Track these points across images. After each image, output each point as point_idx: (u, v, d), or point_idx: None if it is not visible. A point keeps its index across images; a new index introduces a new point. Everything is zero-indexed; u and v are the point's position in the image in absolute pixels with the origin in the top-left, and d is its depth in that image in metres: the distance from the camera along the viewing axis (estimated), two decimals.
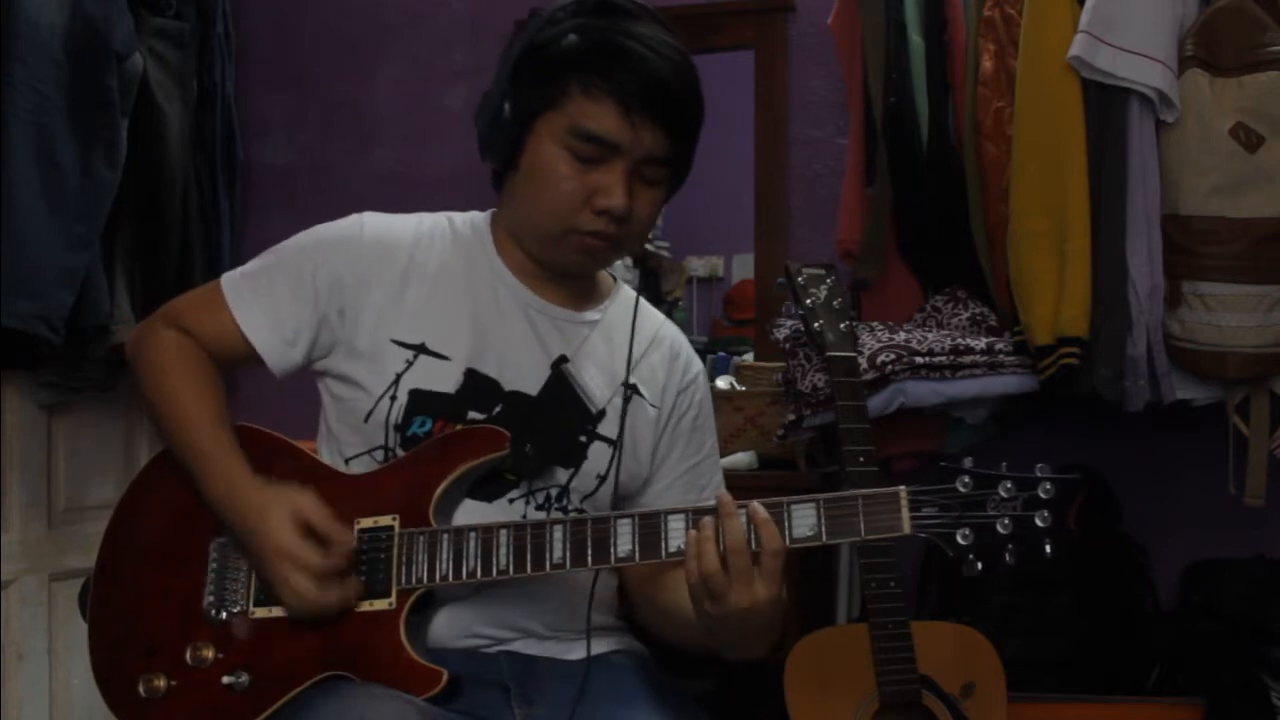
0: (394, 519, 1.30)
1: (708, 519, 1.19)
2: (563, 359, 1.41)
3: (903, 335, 2.12)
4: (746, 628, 1.21)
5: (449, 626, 1.33)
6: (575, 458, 1.39)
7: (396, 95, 2.93)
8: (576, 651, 1.39)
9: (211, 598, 1.33)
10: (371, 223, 1.44)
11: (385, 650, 1.26)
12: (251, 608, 1.32)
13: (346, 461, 1.40)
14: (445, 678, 1.24)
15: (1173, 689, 2.08)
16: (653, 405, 1.46)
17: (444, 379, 1.37)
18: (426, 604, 1.31)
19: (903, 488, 1.20)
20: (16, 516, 2.49)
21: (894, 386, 2.05)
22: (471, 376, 1.37)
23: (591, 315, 1.47)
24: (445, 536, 1.28)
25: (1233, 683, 2.01)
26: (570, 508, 1.40)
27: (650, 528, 1.23)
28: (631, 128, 1.29)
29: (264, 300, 1.40)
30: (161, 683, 1.30)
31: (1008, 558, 1.19)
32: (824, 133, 2.61)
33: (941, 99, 2.22)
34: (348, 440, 1.40)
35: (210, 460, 1.33)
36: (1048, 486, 1.19)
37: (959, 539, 1.19)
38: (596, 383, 1.43)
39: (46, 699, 2.53)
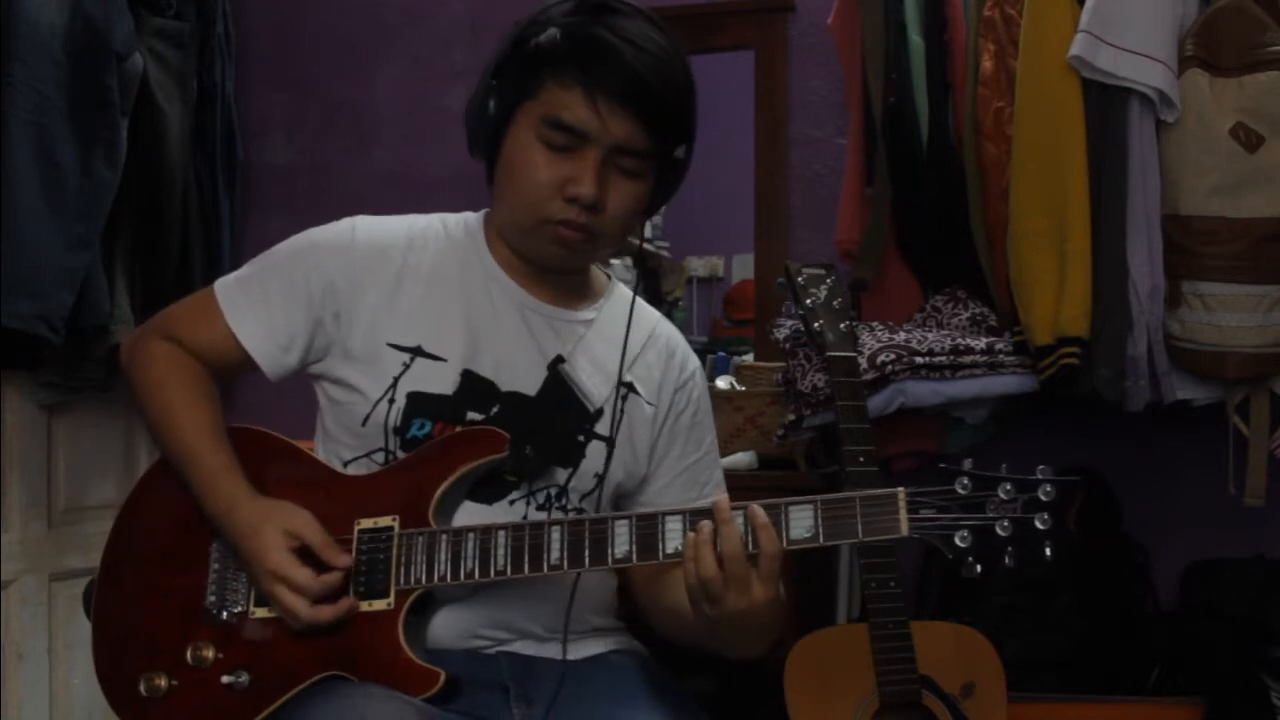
0: (394, 520, 1.30)
1: (705, 522, 1.19)
2: (559, 359, 1.42)
3: (903, 335, 2.12)
4: (745, 628, 1.22)
5: (448, 627, 1.33)
6: (573, 457, 1.39)
7: (396, 95, 2.93)
8: (576, 652, 1.40)
9: (213, 598, 1.33)
10: (364, 226, 1.44)
11: (384, 650, 1.26)
12: (252, 608, 1.32)
13: (345, 464, 1.40)
14: (443, 678, 1.25)
15: (1173, 689, 2.08)
16: (649, 403, 1.46)
17: (441, 381, 1.37)
18: (425, 605, 1.31)
19: (901, 489, 1.20)
20: (16, 516, 2.49)
21: (894, 386, 2.05)
22: (468, 378, 1.37)
23: (586, 314, 1.47)
24: (444, 537, 1.28)
25: (1233, 683, 2.01)
26: (570, 507, 1.40)
27: (648, 529, 1.23)
28: (599, 116, 1.29)
29: (257, 305, 1.40)
30: (162, 682, 1.30)
31: (1007, 560, 1.18)
32: (824, 133, 2.61)
33: (941, 99, 2.22)
34: (346, 443, 1.40)
35: (207, 474, 1.34)
36: (1048, 489, 1.18)
37: (958, 541, 1.18)
38: (593, 381, 1.43)
39: (46, 699, 2.53)
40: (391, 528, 1.30)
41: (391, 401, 1.36)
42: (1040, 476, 1.20)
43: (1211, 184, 1.96)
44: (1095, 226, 2.01)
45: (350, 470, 1.39)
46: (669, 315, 1.61)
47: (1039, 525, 1.18)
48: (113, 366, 2.48)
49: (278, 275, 1.41)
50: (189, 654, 1.31)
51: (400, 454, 1.36)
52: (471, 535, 1.27)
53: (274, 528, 1.28)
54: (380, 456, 1.38)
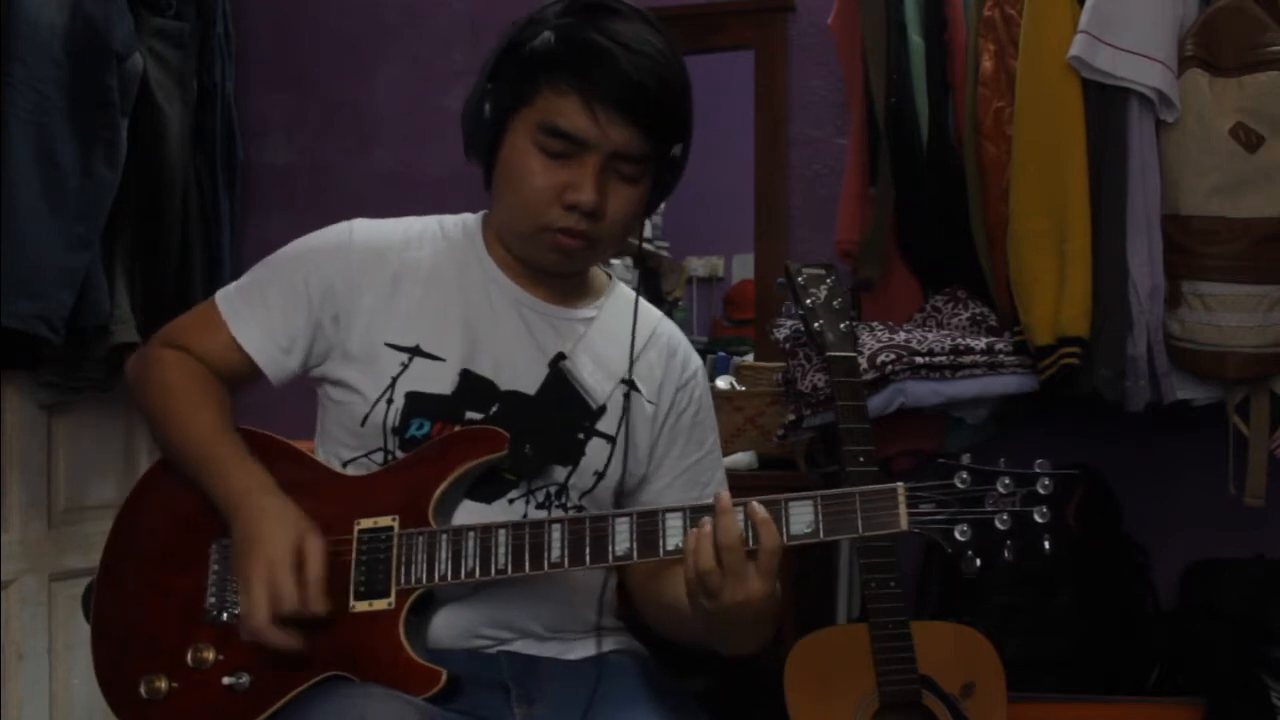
0: (394, 520, 1.30)
1: (707, 518, 1.20)
2: (561, 356, 1.42)
3: (903, 335, 2.12)
4: (742, 622, 1.22)
5: (449, 627, 1.33)
6: (573, 455, 1.39)
7: (396, 95, 2.93)
8: (577, 651, 1.40)
9: (213, 599, 1.33)
10: (361, 228, 1.45)
11: (385, 650, 1.26)
12: None
13: (344, 465, 1.40)
14: (444, 678, 1.24)
15: (1173, 689, 2.09)
16: (650, 402, 1.46)
17: (440, 381, 1.37)
18: (426, 604, 1.31)
19: (900, 484, 1.20)
20: (16, 516, 2.49)
21: (894, 386, 2.05)
22: (466, 377, 1.37)
23: (586, 312, 1.47)
24: (444, 537, 1.28)
25: (1233, 683, 2.01)
26: (569, 505, 1.40)
27: (648, 526, 1.23)
28: (597, 123, 1.28)
29: (258, 311, 1.40)
30: (162, 683, 1.30)
31: (1006, 554, 1.18)
32: (824, 133, 2.61)
33: (941, 99, 2.22)
34: (345, 443, 1.40)
35: (224, 463, 1.32)
36: (1046, 482, 1.19)
37: (957, 535, 1.19)
38: (596, 379, 1.43)
39: (46, 699, 2.53)
40: (391, 528, 1.30)
41: (390, 402, 1.36)
42: (1039, 470, 1.20)
43: (1211, 184, 1.96)
44: (1095, 226, 2.01)
45: (349, 470, 1.39)
46: (669, 315, 1.61)
47: (1038, 518, 1.18)
48: (113, 366, 2.48)
49: (277, 280, 1.42)
50: (189, 655, 1.30)
51: (399, 454, 1.36)
52: (472, 534, 1.27)
53: (290, 528, 1.26)
54: (379, 456, 1.38)
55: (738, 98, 2.65)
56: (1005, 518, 1.18)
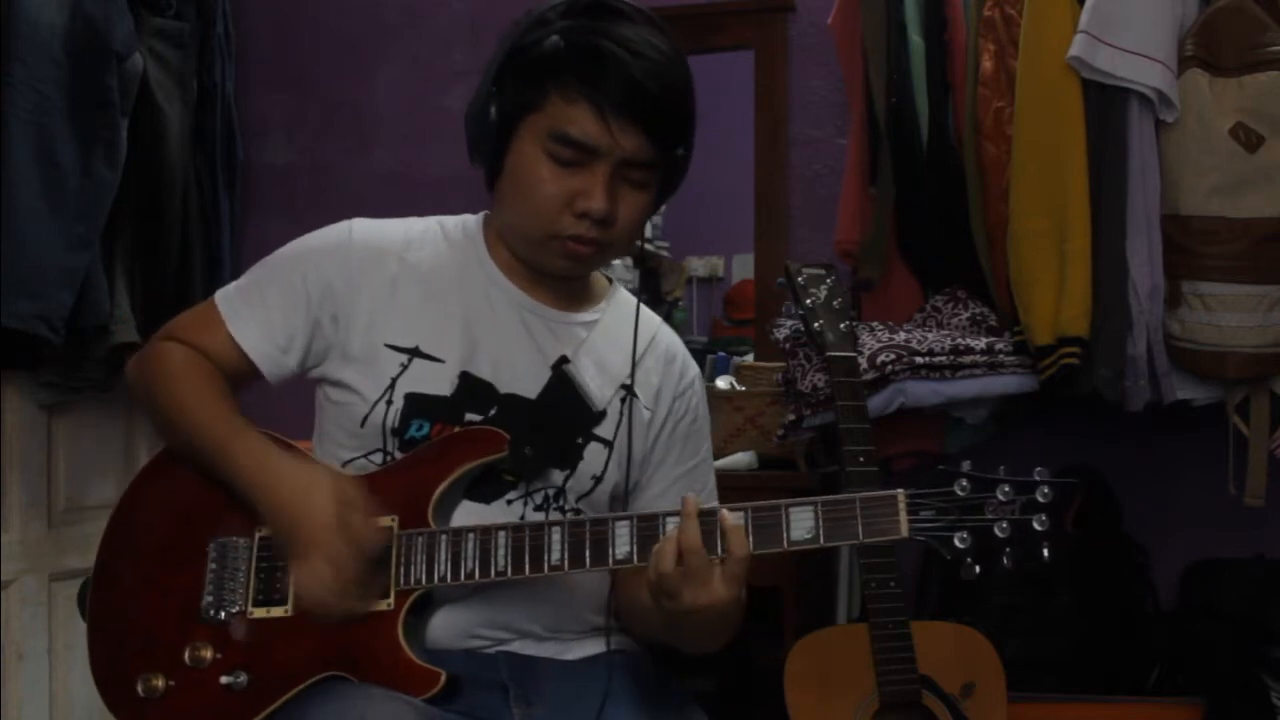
0: (393, 520, 1.30)
1: (674, 521, 1.21)
2: (564, 359, 1.41)
3: (903, 335, 2.12)
4: (703, 624, 1.23)
5: (448, 627, 1.33)
6: (571, 459, 1.39)
7: (396, 95, 2.93)
8: (575, 651, 1.40)
9: (210, 597, 1.33)
10: (360, 228, 1.44)
11: (384, 651, 1.26)
12: (250, 608, 1.31)
13: (343, 465, 1.39)
14: (443, 678, 1.24)
15: (1173, 689, 2.09)
16: (647, 408, 1.45)
17: (439, 382, 1.36)
18: (425, 605, 1.31)
19: (901, 491, 1.20)
20: (16, 516, 2.49)
21: (894, 386, 2.05)
22: (466, 379, 1.37)
23: (587, 316, 1.46)
24: (444, 538, 1.28)
25: (1233, 683, 2.01)
26: (567, 507, 1.40)
27: (648, 529, 1.24)
28: (609, 132, 1.28)
29: (256, 310, 1.40)
30: (160, 682, 1.30)
31: (1005, 561, 1.19)
32: (824, 133, 2.61)
33: (941, 99, 2.22)
34: (344, 444, 1.40)
35: (236, 442, 1.32)
36: (1046, 490, 1.19)
37: (956, 542, 1.19)
38: (597, 383, 1.42)
39: (46, 699, 2.53)
40: (390, 528, 1.30)
41: (389, 403, 1.35)
42: (1038, 479, 1.20)
43: (1211, 184, 1.96)
44: (1095, 226, 2.01)
45: (348, 471, 1.39)
46: (669, 315, 1.61)
47: (1037, 526, 1.19)
48: (113, 366, 2.48)
49: (276, 280, 1.41)
50: (187, 654, 1.30)
51: (398, 455, 1.36)
52: (471, 535, 1.27)
53: (323, 488, 1.26)
54: (378, 457, 1.37)
55: (738, 98, 2.65)
56: (1005, 526, 1.19)
